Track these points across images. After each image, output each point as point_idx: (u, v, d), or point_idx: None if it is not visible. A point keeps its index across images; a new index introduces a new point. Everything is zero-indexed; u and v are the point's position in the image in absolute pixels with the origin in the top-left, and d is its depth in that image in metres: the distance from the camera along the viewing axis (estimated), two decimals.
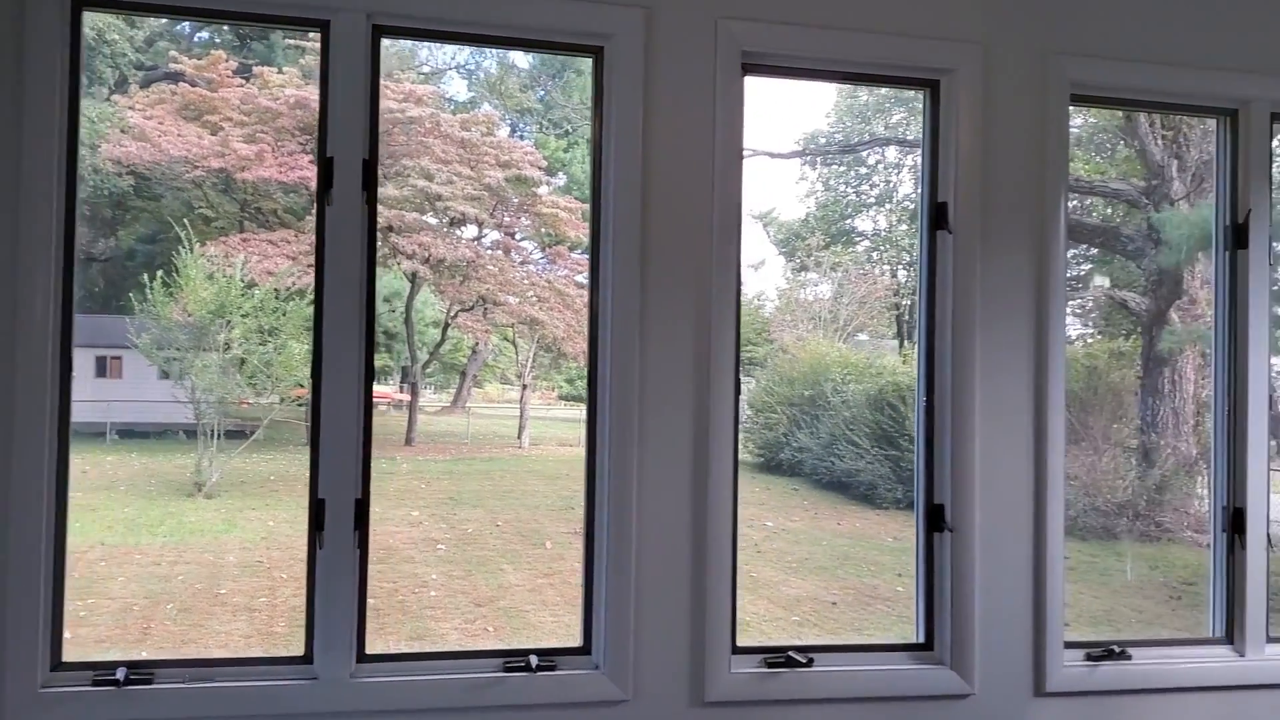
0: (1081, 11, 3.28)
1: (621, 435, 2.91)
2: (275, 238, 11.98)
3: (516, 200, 13.05)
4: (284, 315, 11.01)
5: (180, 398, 10.81)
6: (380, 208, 11.96)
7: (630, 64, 2.92)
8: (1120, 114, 8.37)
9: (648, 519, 2.94)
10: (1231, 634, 3.41)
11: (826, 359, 12.23)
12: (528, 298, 13.08)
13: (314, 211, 2.79)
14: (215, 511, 10.04)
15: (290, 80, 12.16)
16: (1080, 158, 9.07)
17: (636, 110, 2.92)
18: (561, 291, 12.85)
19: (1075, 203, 8.51)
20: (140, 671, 2.67)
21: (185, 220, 10.89)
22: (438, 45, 14.66)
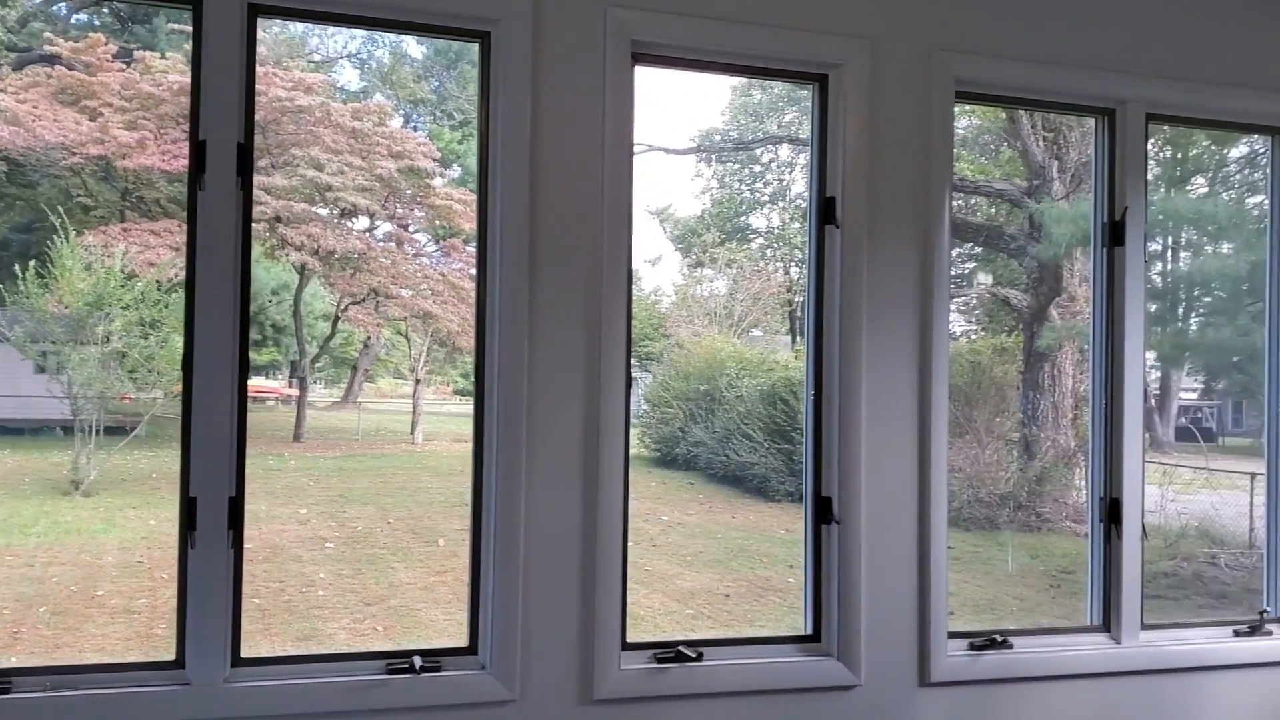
0: (967, 9, 3.33)
1: (509, 430, 2.85)
2: (158, 228, 11.61)
3: (409, 192, 12.85)
4: (167, 308, 10.70)
5: (56, 392, 10.42)
6: (268, 198, 11.67)
7: (518, 50, 2.86)
8: (1003, 116, 8.60)
9: (537, 515, 2.89)
10: (1108, 622, 3.51)
11: (722, 354, 12.32)
12: (421, 291, 12.90)
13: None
14: (93, 510, 9.69)
15: (174, 66, 11.76)
16: (966, 158, 9.30)
17: (524, 98, 2.87)
18: (456, 285, 12.70)
19: (960, 202, 8.72)
20: None
21: (61, 208, 10.49)
22: (329, 33, 14.36)
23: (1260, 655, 3.60)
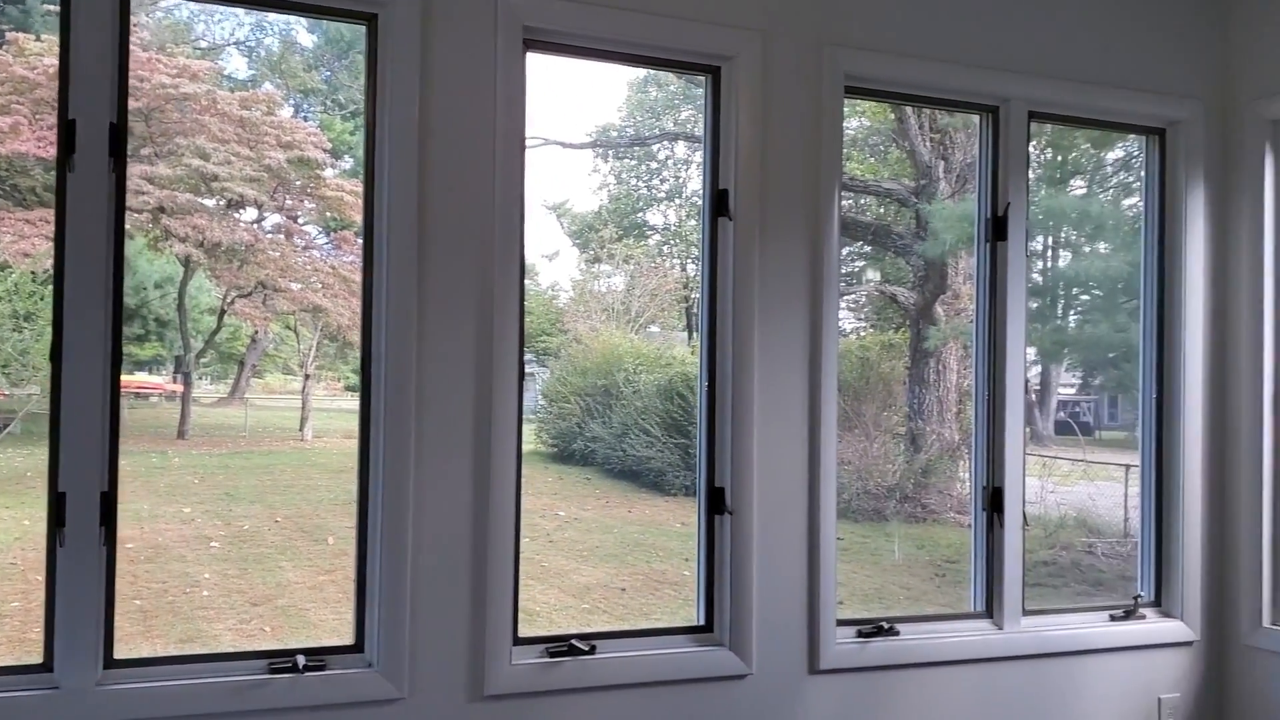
0: (856, 4, 3.38)
1: (397, 425, 2.80)
2: (33, 216, 11.13)
3: (299, 183, 12.55)
4: (42, 299, 10.26)
5: None
6: (151, 187, 11.28)
7: (406, 34, 2.80)
8: (892, 116, 8.77)
9: (426, 511, 2.84)
10: (991, 608, 3.60)
11: (619, 350, 12.32)
12: (311, 284, 12.61)
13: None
14: None
15: (50, 48, 11.27)
16: (856, 158, 9.46)
17: (413, 83, 2.81)
18: (347, 278, 12.44)
19: (850, 201, 8.87)
20: None
21: None
22: (215, 19, 13.94)
23: (1135, 638, 3.74)
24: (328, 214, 12.76)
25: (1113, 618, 3.77)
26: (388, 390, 2.81)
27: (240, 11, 12.94)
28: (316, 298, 12.52)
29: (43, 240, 10.76)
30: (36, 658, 2.58)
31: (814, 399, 3.31)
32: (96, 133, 2.54)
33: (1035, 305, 7.89)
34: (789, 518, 3.28)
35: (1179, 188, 3.85)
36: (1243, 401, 3.83)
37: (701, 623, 3.23)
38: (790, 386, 3.29)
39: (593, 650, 3.02)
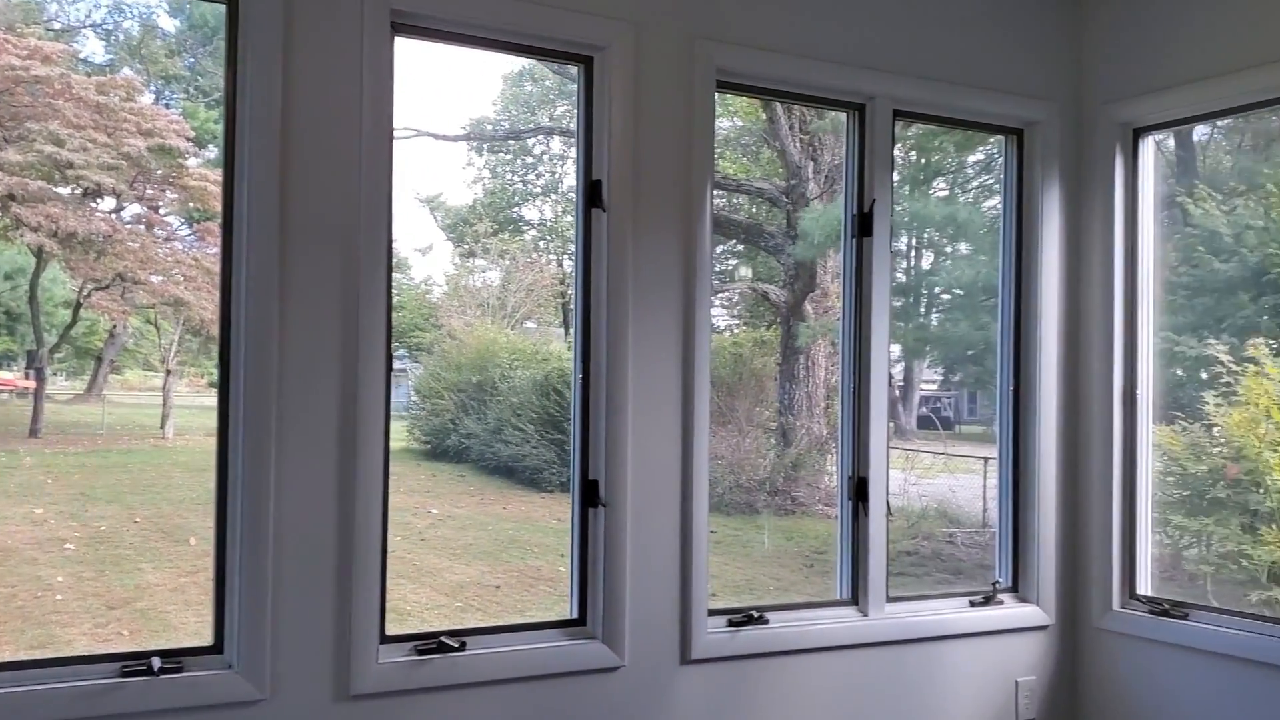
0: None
1: (257, 421, 2.72)
2: None
3: (160, 172, 12.11)
4: None
5: None
6: (0, 174, 10.73)
7: (267, 14, 2.72)
8: (764, 117, 8.91)
9: (289, 508, 2.77)
10: (856, 596, 3.68)
11: (495, 345, 12.22)
12: (173, 277, 12.18)
13: None
14: None
15: None
16: (729, 157, 9.59)
17: (275, 66, 2.73)
18: (210, 270, 12.02)
19: (723, 200, 8.99)
20: None
21: None
22: (70, 0, 13.35)
23: (993, 623, 3.88)
24: (191, 204, 12.34)
25: (972, 604, 3.90)
26: (247, 385, 2.72)
27: None
28: (179, 291, 12.10)
29: None
30: None
31: (687, 393, 3.34)
32: None
33: (900, 304, 8.12)
34: (662, 511, 3.30)
35: (1035, 187, 4.00)
36: (1094, 396, 4.01)
37: (574, 616, 3.23)
38: (664, 381, 3.31)
39: (463, 647, 2.98)
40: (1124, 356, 3.95)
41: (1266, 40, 3.45)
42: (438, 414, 12.09)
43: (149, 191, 12.26)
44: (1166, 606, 3.78)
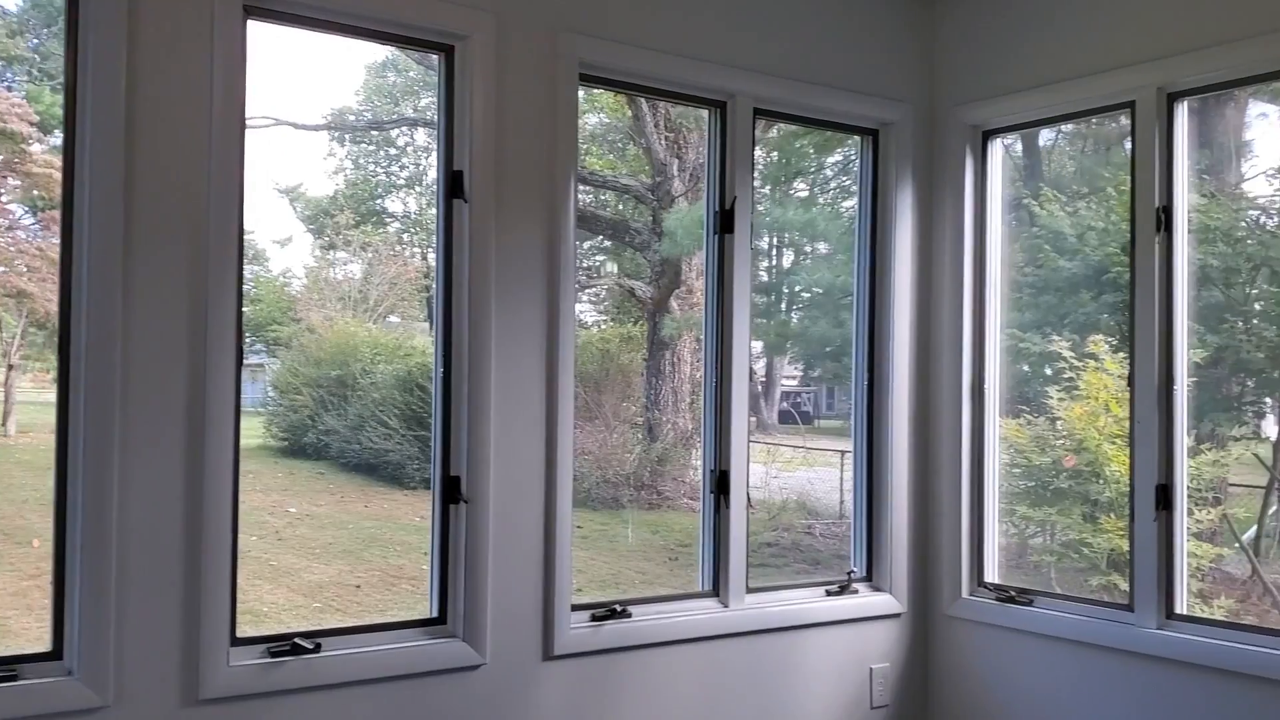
0: None
1: (99, 416, 2.61)
2: None
3: (2, 158, 11.50)
4: None
5: None
6: None
7: None
8: (629, 113, 8.94)
9: (133, 508, 2.66)
10: (718, 587, 3.73)
11: (356, 339, 11.95)
12: (15, 267, 11.57)
13: None
14: None
15: None
16: (595, 153, 9.59)
17: (119, 47, 2.61)
18: (56, 261, 11.48)
19: (590, 196, 8.99)
20: None
21: None
22: None
23: (848, 612, 3.98)
24: (35, 192, 11.73)
25: (828, 593, 3.99)
26: (89, 380, 2.60)
27: None
28: (21, 282, 11.49)
29: None
30: None
31: (552, 388, 3.32)
32: None
33: (762, 302, 8.26)
34: (526, 506, 3.28)
35: (889, 188, 4.11)
36: (944, 391, 4.14)
37: (435, 615, 3.18)
38: (528, 375, 3.28)
39: (318, 648, 2.91)
40: (973, 353, 4.09)
41: (1108, 47, 3.63)
42: (296, 410, 11.76)
43: None
44: (1012, 593, 3.94)
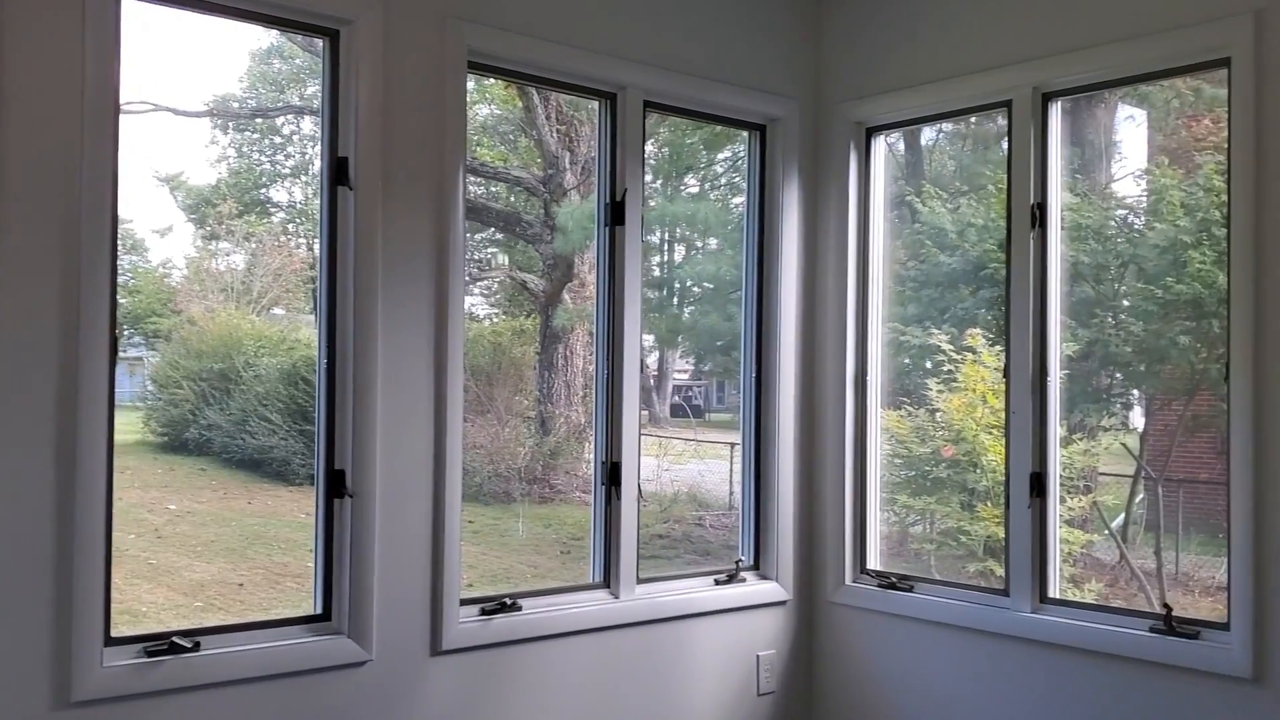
0: None
1: None
2: None
3: None
4: None
5: None
6: None
7: None
8: (520, 105, 8.89)
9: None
10: (609, 579, 3.74)
11: (239, 332, 11.60)
12: None
13: None
14: None
15: None
16: (486, 145, 9.50)
17: None
18: None
19: (481, 188, 8.90)
20: None
21: None
22: None
23: (736, 600, 4.03)
24: None
25: (717, 582, 4.04)
26: None
27: None
28: None
29: None
30: None
31: (441, 380, 3.29)
32: None
33: (654, 296, 8.29)
34: (413, 500, 3.24)
35: (776, 184, 4.17)
36: (828, 383, 4.22)
37: (319, 612, 3.13)
38: (416, 367, 3.24)
39: (197, 647, 2.84)
40: (856, 346, 4.18)
41: (986, 48, 3.74)
42: (177, 405, 11.36)
43: None
44: (894, 580, 4.04)
